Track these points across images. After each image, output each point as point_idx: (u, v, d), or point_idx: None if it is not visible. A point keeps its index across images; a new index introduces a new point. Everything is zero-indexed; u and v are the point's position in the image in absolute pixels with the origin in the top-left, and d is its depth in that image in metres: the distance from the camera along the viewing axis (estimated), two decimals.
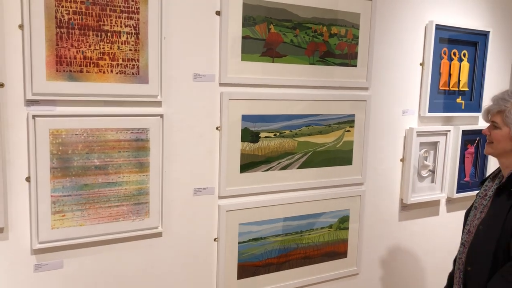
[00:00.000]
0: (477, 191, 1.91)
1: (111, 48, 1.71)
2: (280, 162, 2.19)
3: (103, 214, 1.78)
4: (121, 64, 1.74)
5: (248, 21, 1.99)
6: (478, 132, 2.84)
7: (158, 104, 1.84)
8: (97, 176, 1.75)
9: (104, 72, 1.71)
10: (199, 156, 1.97)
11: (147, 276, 1.93)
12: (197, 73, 1.92)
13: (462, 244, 1.82)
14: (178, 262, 1.99)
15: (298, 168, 2.25)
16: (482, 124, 2.89)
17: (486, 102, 2.82)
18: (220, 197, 2.05)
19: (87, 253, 1.79)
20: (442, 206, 2.82)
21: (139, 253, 1.90)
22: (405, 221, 2.67)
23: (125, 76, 1.75)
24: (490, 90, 2.87)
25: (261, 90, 2.08)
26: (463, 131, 2.74)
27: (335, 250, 2.42)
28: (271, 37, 2.06)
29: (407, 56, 2.51)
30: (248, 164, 2.10)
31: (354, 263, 2.50)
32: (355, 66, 2.32)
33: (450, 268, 2.00)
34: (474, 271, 1.71)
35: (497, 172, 1.84)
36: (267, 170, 2.16)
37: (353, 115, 2.36)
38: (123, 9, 1.71)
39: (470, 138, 2.82)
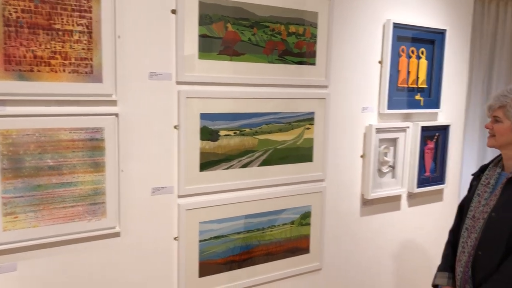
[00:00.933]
0: (472, 180, 2.05)
1: (63, 47, 1.70)
2: (241, 160, 2.20)
3: (58, 215, 1.76)
4: (74, 63, 1.72)
5: (204, 19, 2.00)
6: (437, 128, 2.92)
7: (113, 103, 1.83)
8: (51, 176, 1.73)
9: (56, 72, 1.69)
10: (157, 155, 1.97)
11: (105, 277, 1.91)
12: (153, 71, 1.91)
13: (466, 229, 1.92)
14: (137, 262, 1.98)
15: (259, 165, 2.26)
16: (441, 120, 2.97)
17: (445, 98, 2.90)
18: (179, 196, 2.05)
19: (42, 255, 1.77)
20: (403, 201, 2.88)
21: (97, 254, 1.88)
22: (367, 216, 2.72)
23: (78, 75, 1.74)
24: (448, 87, 2.96)
25: (219, 89, 2.09)
26: (422, 127, 2.81)
27: (297, 246, 2.45)
28: (228, 35, 2.07)
29: (365, 54, 2.56)
30: (208, 163, 2.11)
31: (316, 259, 2.53)
32: (314, 64, 2.35)
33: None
34: (485, 255, 1.81)
35: (497, 161, 1.96)
36: (227, 168, 2.17)
37: (312, 113, 2.39)
38: (75, 7, 1.70)
39: (429, 134, 2.89)
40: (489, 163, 2.01)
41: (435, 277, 2.09)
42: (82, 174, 1.79)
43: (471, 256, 1.87)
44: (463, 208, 2.06)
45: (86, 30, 1.73)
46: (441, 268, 2.09)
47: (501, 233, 1.77)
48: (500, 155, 1.96)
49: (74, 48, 1.72)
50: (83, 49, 1.74)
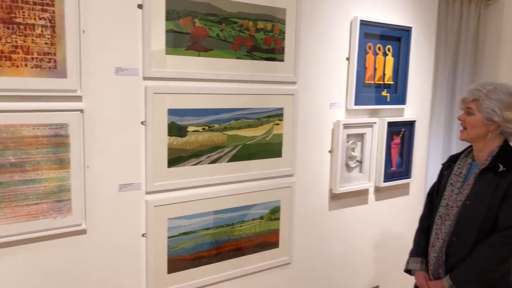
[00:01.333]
0: (443, 169, 2.15)
1: (24, 41, 1.66)
2: (210, 156, 2.21)
3: (21, 213, 1.73)
4: (37, 58, 1.69)
5: (171, 14, 1.98)
6: (404, 123, 2.99)
7: (78, 98, 1.81)
8: (13, 173, 1.69)
9: (17, 66, 1.65)
10: (124, 152, 1.95)
11: (72, 275, 1.89)
12: (119, 67, 1.89)
13: (440, 216, 2.02)
14: (105, 259, 1.96)
15: (228, 161, 2.27)
16: (407, 116, 3.04)
17: (411, 94, 2.97)
18: (147, 192, 2.04)
19: (4, 254, 1.73)
20: (371, 195, 2.94)
21: (62, 252, 1.86)
22: (335, 210, 2.77)
23: (41, 70, 1.70)
24: (414, 84, 3.02)
25: (187, 84, 2.08)
26: (388, 122, 2.86)
27: (267, 241, 2.47)
28: (196, 31, 2.07)
29: (333, 51, 2.59)
30: (176, 159, 2.10)
31: (286, 253, 2.56)
32: (283, 60, 2.37)
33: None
34: (459, 241, 1.92)
35: (468, 152, 2.07)
36: (196, 164, 2.16)
37: (281, 109, 2.41)
38: (37, 1, 1.66)
39: (395, 129, 2.95)
40: (460, 153, 2.11)
41: (408, 262, 2.16)
42: (46, 171, 1.76)
43: (446, 242, 1.96)
44: (432, 196, 2.17)
45: (49, 24, 1.70)
46: (413, 254, 2.16)
47: (475, 220, 1.88)
48: (470, 146, 2.06)
49: (36, 43, 1.68)
50: (46, 43, 1.70)
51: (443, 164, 2.17)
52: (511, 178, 1.85)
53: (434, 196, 2.15)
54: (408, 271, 2.17)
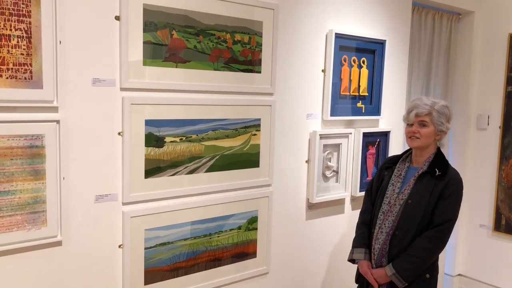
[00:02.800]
0: (383, 169, 2.39)
1: (0, 52, 1.65)
2: (187, 166, 2.22)
3: None
4: (12, 68, 1.68)
5: (149, 26, 2.00)
6: (379, 134, 3.05)
7: (54, 109, 1.80)
8: None
9: None
10: (100, 162, 1.95)
11: (47, 287, 1.86)
12: (96, 77, 1.90)
13: (383, 212, 2.26)
14: (81, 271, 1.95)
15: (206, 171, 2.28)
16: (382, 126, 3.11)
17: (385, 105, 3.04)
18: (124, 203, 2.03)
19: None
20: (347, 204, 2.99)
21: (37, 264, 1.83)
22: (312, 219, 2.80)
23: (16, 81, 1.69)
24: (389, 95, 3.10)
25: (165, 95, 2.10)
26: (364, 133, 2.92)
27: (244, 251, 2.48)
28: (173, 42, 2.09)
29: (309, 63, 2.65)
30: (153, 169, 2.10)
31: (263, 263, 2.57)
32: (260, 72, 2.40)
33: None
34: (401, 235, 2.18)
35: (406, 156, 2.34)
36: (173, 174, 2.17)
37: (259, 120, 2.44)
38: (13, 11, 1.66)
39: (371, 140, 3.01)
40: (399, 157, 2.37)
41: (352, 252, 2.37)
42: (21, 182, 1.75)
43: (389, 235, 2.21)
44: (370, 193, 2.44)
45: (25, 35, 1.69)
46: (357, 245, 2.36)
47: (416, 216, 2.15)
48: (408, 151, 2.35)
49: (12, 53, 1.67)
50: (22, 54, 1.70)
51: (383, 165, 2.41)
52: (446, 181, 2.15)
53: (373, 193, 2.41)
54: (351, 260, 2.38)
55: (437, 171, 2.17)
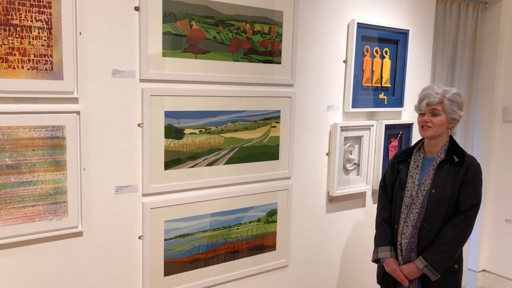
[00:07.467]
0: (397, 163, 2.31)
1: (21, 43, 1.66)
2: (207, 158, 2.21)
3: (17, 215, 1.73)
4: (33, 59, 1.69)
5: (168, 17, 1.99)
6: (401, 126, 2.99)
7: (75, 100, 1.81)
8: (9, 175, 1.69)
9: (14, 68, 1.66)
10: (121, 154, 1.95)
11: (68, 277, 1.89)
12: (116, 69, 1.89)
13: (406, 206, 2.20)
14: (101, 261, 1.96)
15: (225, 164, 2.27)
16: (404, 118, 3.04)
17: (408, 97, 2.97)
18: (144, 195, 2.04)
19: (0, 256, 1.73)
20: (368, 198, 2.94)
21: (59, 254, 1.85)
22: (332, 213, 2.76)
23: (37, 72, 1.70)
24: (412, 86, 3.03)
25: (184, 86, 2.08)
26: (386, 125, 2.87)
27: (264, 244, 2.47)
28: (193, 33, 2.07)
29: (330, 54, 2.60)
30: (173, 161, 2.10)
31: (283, 256, 2.56)
32: (280, 63, 2.37)
33: None
34: (430, 226, 2.14)
35: (418, 147, 2.28)
36: (193, 166, 2.16)
37: (278, 111, 2.41)
38: (33, 3, 1.66)
39: (393, 132, 2.95)
40: (412, 149, 2.31)
41: (376, 252, 2.28)
42: (43, 173, 1.76)
43: (417, 228, 2.16)
44: (385, 189, 2.37)
45: (45, 26, 1.70)
46: (381, 243, 2.28)
47: (442, 205, 2.12)
48: (420, 141, 2.30)
49: (33, 45, 1.68)
50: (43, 45, 1.70)
51: (396, 159, 2.33)
52: (465, 167, 2.13)
53: (387, 189, 2.35)
54: (376, 260, 2.29)
55: (455, 158, 2.14)
